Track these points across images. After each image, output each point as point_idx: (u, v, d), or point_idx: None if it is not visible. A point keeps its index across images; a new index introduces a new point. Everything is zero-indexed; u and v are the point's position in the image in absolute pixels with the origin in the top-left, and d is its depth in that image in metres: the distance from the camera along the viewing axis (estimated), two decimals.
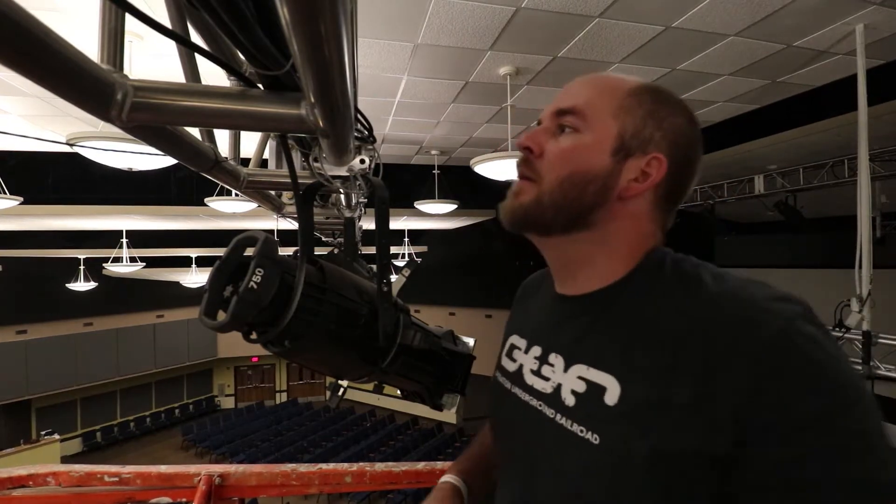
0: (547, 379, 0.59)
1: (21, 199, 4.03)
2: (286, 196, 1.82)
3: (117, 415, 13.09)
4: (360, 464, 1.28)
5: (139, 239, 7.49)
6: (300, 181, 0.74)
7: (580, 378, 0.54)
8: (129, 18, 0.54)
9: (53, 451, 10.28)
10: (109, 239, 7.22)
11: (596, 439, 0.50)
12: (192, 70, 0.79)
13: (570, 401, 0.54)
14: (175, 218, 6.20)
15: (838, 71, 3.34)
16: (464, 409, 12.07)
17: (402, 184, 5.98)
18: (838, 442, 0.41)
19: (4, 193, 4.03)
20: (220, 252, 0.64)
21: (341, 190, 1.02)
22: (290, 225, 2.82)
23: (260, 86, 0.59)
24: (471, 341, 0.80)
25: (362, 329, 0.62)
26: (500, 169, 3.48)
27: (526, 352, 0.64)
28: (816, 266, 6.94)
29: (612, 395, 0.50)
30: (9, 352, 10.65)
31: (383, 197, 0.65)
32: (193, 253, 9.10)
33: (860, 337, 3.10)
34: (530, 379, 0.61)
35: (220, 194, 4.39)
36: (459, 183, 5.98)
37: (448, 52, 3.07)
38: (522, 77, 3.50)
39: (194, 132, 0.85)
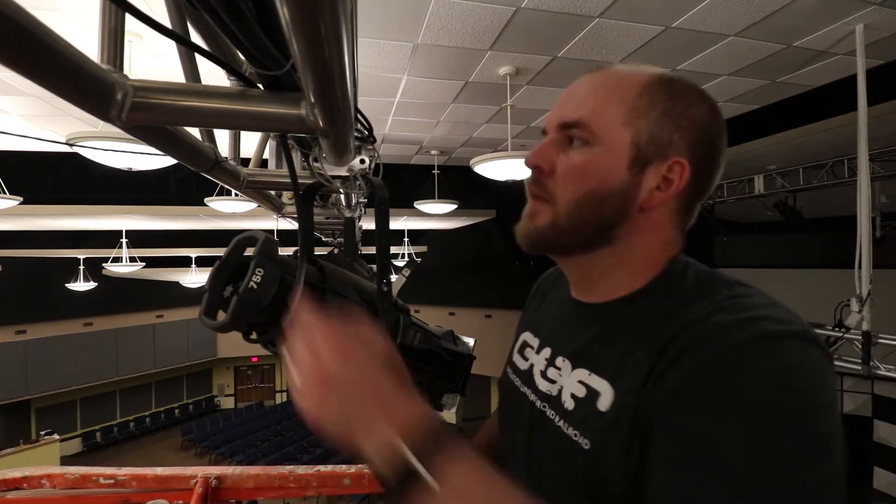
0: (553, 382, 0.58)
1: (21, 199, 4.03)
2: (286, 196, 1.82)
3: (117, 415, 13.08)
4: (359, 465, 1.28)
5: (139, 239, 7.48)
6: (300, 181, 0.74)
7: (580, 382, 0.54)
8: (129, 18, 0.54)
9: (53, 452, 10.26)
10: (109, 239, 7.22)
11: (587, 444, 0.50)
12: (192, 70, 0.79)
13: (569, 404, 0.54)
14: (175, 218, 6.20)
15: (838, 71, 3.34)
16: (464, 409, 12.07)
17: (401, 184, 5.98)
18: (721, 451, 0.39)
19: (4, 193, 4.03)
20: (220, 252, 0.64)
21: (341, 190, 1.02)
22: (290, 225, 2.82)
23: (260, 86, 0.59)
24: (471, 341, 0.79)
25: None
26: (500, 169, 3.48)
27: (538, 352, 0.65)
28: (816, 266, 6.94)
29: (606, 400, 0.50)
30: (8, 352, 10.64)
31: (383, 197, 0.65)
32: (193, 253, 9.09)
33: (860, 337, 3.10)
34: (539, 380, 0.61)
35: (220, 194, 4.39)
36: (459, 183, 5.99)
37: (448, 52, 3.07)
38: (522, 77, 3.50)
39: (194, 132, 0.85)
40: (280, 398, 16.06)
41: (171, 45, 0.68)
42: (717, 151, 0.55)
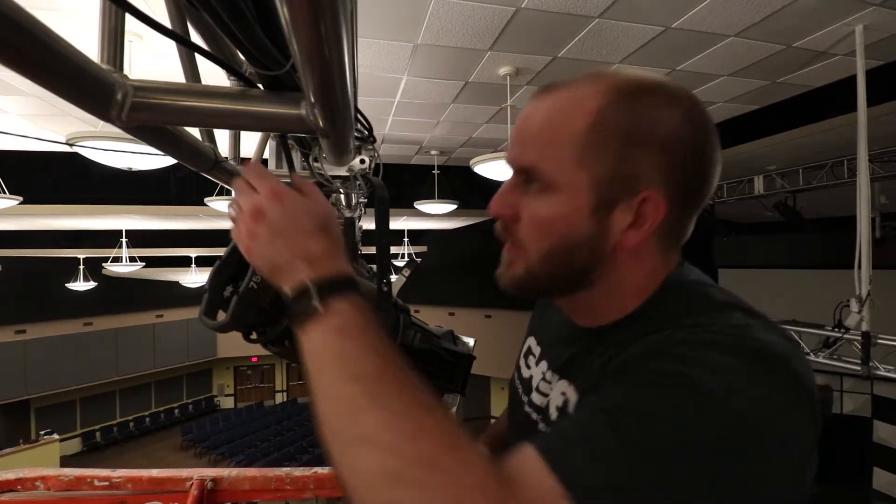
0: (545, 395, 0.60)
1: (21, 198, 4.03)
2: None
3: (117, 415, 13.08)
4: None
5: (139, 239, 7.48)
6: None
7: (562, 394, 0.55)
8: (129, 18, 0.54)
9: (52, 452, 10.26)
10: (109, 239, 7.21)
11: None
12: (192, 70, 0.79)
13: (554, 415, 0.55)
14: (175, 218, 6.20)
15: (838, 71, 3.34)
16: (464, 409, 12.07)
17: (401, 184, 5.97)
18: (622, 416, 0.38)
19: (4, 193, 4.03)
20: (220, 252, 0.64)
21: (341, 190, 1.02)
22: None
23: (260, 86, 0.59)
24: (471, 341, 0.79)
25: None
26: (500, 169, 3.48)
27: (537, 364, 0.65)
28: (816, 266, 6.94)
29: (572, 405, 0.51)
30: (8, 351, 10.63)
31: (383, 197, 0.65)
32: (193, 253, 9.10)
33: (859, 337, 3.10)
34: (534, 394, 0.62)
35: (220, 194, 4.38)
36: (459, 183, 5.98)
37: (448, 52, 3.07)
38: (522, 77, 3.50)
39: (194, 132, 0.85)
40: (280, 398, 16.06)
41: (171, 45, 0.68)
42: (703, 161, 0.48)
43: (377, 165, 1.11)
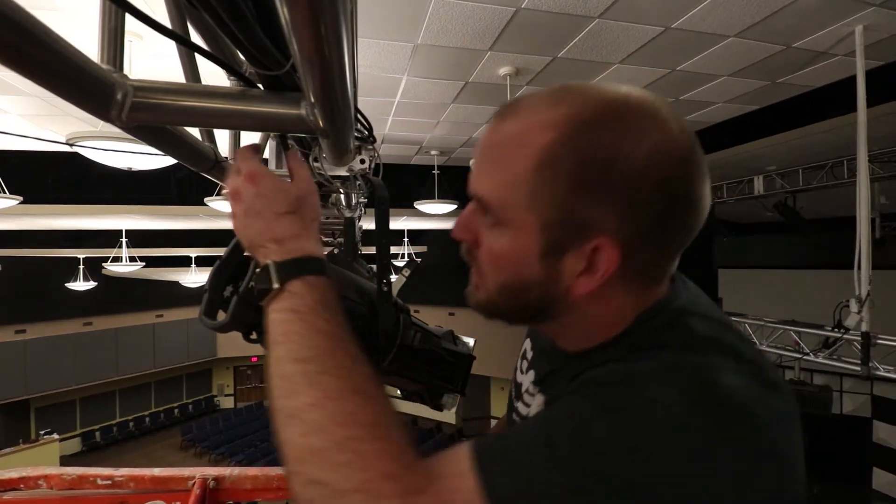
0: (528, 406, 0.61)
1: (21, 198, 4.03)
2: None
3: (116, 415, 13.08)
4: None
5: (139, 239, 7.48)
6: None
7: (539, 408, 0.56)
8: (129, 18, 0.54)
9: (52, 451, 10.26)
10: (109, 238, 7.21)
11: None
12: (192, 70, 0.79)
13: None
14: (175, 218, 6.20)
15: (838, 72, 3.34)
16: (463, 410, 12.06)
17: (401, 184, 5.98)
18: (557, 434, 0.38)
19: (4, 193, 4.03)
20: (220, 252, 0.64)
21: (341, 190, 1.02)
22: None
23: (260, 86, 0.59)
24: (471, 341, 0.79)
25: (362, 329, 0.62)
26: None
27: (526, 371, 0.66)
28: (816, 267, 6.95)
29: None
30: (8, 351, 10.63)
31: (383, 197, 0.65)
32: (193, 253, 9.10)
33: (859, 338, 3.10)
34: (520, 402, 0.64)
35: (220, 194, 4.38)
36: (459, 183, 5.98)
37: (448, 52, 3.07)
38: (522, 77, 3.50)
39: (194, 132, 0.85)
40: None
41: (171, 45, 0.68)
42: (675, 198, 0.42)
43: (377, 165, 1.11)
